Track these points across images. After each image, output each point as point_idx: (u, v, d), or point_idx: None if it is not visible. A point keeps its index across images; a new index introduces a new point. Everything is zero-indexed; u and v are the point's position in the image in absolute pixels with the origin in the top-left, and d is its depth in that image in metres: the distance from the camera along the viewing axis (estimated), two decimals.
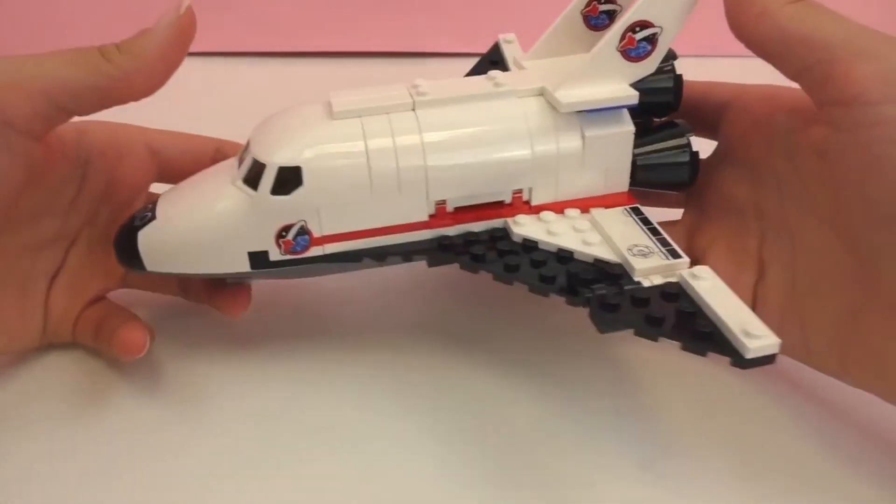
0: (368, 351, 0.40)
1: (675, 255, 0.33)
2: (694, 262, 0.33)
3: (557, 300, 0.33)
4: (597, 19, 0.38)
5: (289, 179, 0.33)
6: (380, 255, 0.36)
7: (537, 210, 0.36)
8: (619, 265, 0.33)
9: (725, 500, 0.33)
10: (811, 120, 0.32)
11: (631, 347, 0.40)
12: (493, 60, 0.44)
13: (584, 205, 0.37)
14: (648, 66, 0.35)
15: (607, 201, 0.37)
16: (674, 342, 0.29)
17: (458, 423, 0.37)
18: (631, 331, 0.30)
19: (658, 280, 0.32)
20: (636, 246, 0.33)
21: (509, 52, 0.44)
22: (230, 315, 0.38)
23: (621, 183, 0.37)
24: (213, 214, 0.34)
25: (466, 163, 0.35)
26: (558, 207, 0.36)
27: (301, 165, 0.33)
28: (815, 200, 0.33)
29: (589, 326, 0.30)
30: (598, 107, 0.35)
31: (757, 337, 0.28)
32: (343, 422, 0.37)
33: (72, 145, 0.37)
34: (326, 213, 0.34)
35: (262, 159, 0.33)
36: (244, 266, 0.35)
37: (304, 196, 0.33)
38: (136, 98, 0.33)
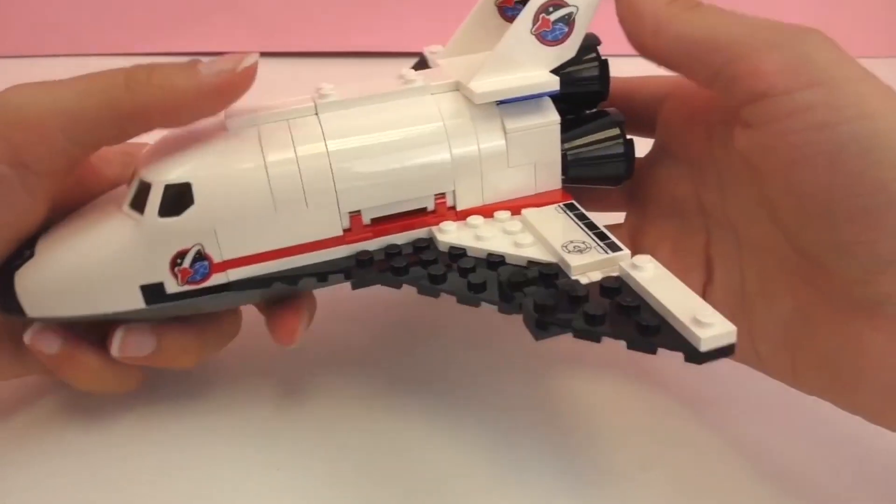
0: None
1: (615, 248, 0.30)
2: None
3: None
4: (513, 10, 0.35)
5: (178, 198, 0.30)
6: (292, 279, 0.32)
7: (464, 215, 0.33)
8: (555, 265, 0.30)
9: None
10: (733, 122, 0.30)
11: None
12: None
13: (515, 206, 0.34)
14: (567, 49, 0.32)
15: (540, 200, 0.34)
16: (618, 340, 0.26)
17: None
18: (570, 334, 0.27)
19: (596, 276, 0.29)
20: (571, 242, 0.31)
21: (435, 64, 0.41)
22: (284, 341, 0.34)
23: (553, 180, 0.34)
24: (97, 245, 0.30)
25: (379, 168, 0.31)
26: (487, 211, 0.33)
27: (190, 181, 0.30)
28: (755, 197, 0.31)
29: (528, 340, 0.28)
30: (516, 96, 0.32)
31: (709, 325, 0.25)
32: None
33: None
34: (224, 233, 0.30)
35: (147, 179, 0.30)
36: (137, 302, 0.31)
37: (196, 215, 0.30)
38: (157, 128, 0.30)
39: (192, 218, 0.30)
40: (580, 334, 0.27)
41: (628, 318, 0.27)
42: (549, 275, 0.29)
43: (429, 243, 0.33)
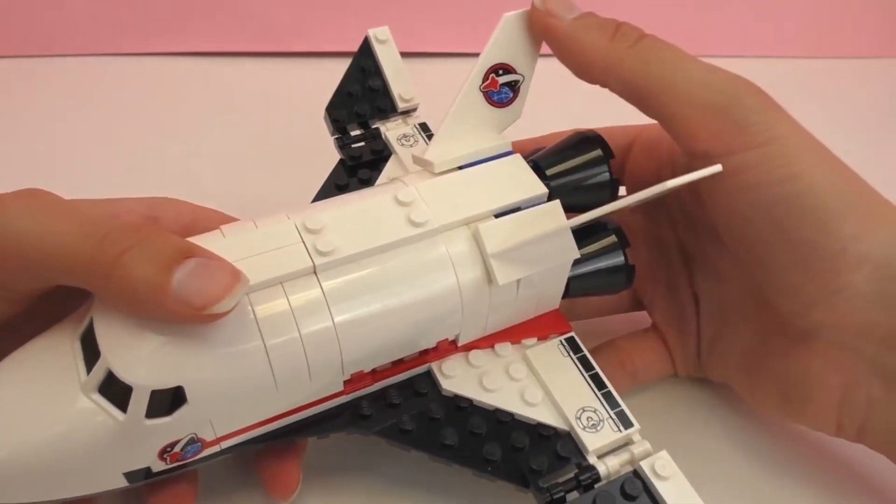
0: None
1: (626, 422, 0.30)
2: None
3: None
4: (499, 94, 0.33)
5: (167, 400, 0.26)
6: (289, 436, 0.30)
7: (464, 348, 0.32)
8: (567, 439, 0.29)
9: None
10: (685, 167, 0.32)
11: None
12: (363, 68, 0.38)
13: (514, 334, 0.32)
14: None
15: (538, 324, 0.33)
16: None
17: None
18: None
19: (614, 464, 0.29)
20: (584, 411, 0.30)
21: (384, 56, 0.38)
22: (279, 496, 0.31)
23: (552, 304, 0.33)
24: (67, 437, 0.25)
25: (388, 334, 0.29)
26: (487, 342, 0.32)
27: (181, 384, 0.25)
28: (716, 234, 0.33)
29: None
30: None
31: None
32: None
33: None
34: (220, 420, 0.27)
35: (126, 380, 0.25)
36: (119, 483, 0.28)
37: (190, 413, 0.26)
38: None
39: (185, 415, 0.26)
40: None
41: None
42: (566, 457, 0.29)
43: (430, 386, 0.31)
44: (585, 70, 0.31)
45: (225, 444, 0.29)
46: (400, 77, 0.38)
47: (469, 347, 0.32)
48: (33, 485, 0.26)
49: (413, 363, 0.31)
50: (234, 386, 0.26)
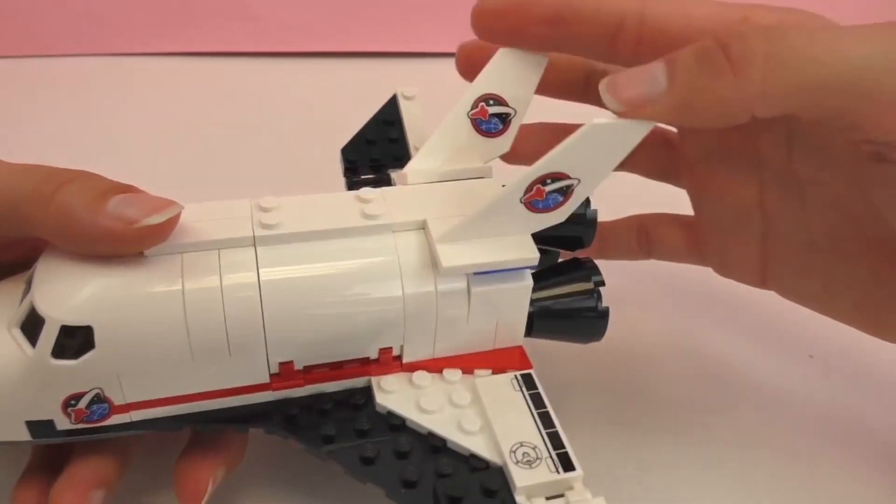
0: None
1: (567, 466, 0.26)
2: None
3: None
4: (487, 124, 0.32)
5: (75, 341, 0.25)
6: (205, 423, 0.28)
7: (410, 368, 0.30)
8: (499, 473, 0.27)
9: None
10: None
11: None
12: (386, 120, 0.38)
13: (468, 363, 0.30)
14: (558, 216, 0.28)
15: (496, 358, 0.30)
16: None
17: None
18: None
19: None
20: (521, 445, 0.27)
21: (408, 111, 0.37)
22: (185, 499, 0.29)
23: (514, 336, 0.30)
24: None
25: (319, 318, 0.27)
26: (436, 365, 0.30)
27: (91, 324, 0.25)
28: (844, 178, 0.28)
29: None
30: (488, 270, 0.28)
31: None
32: None
33: None
34: (130, 380, 0.26)
35: (41, 311, 0.25)
36: (23, 435, 0.27)
37: (96, 361, 0.25)
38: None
39: (91, 363, 0.25)
40: None
41: None
42: (492, 490, 0.26)
43: (366, 399, 0.29)
44: (720, 122, 0.25)
45: (136, 415, 0.27)
46: (420, 132, 0.37)
47: (415, 368, 0.30)
48: None
49: (352, 371, 0.29)
50: (146, 339, 0.26)
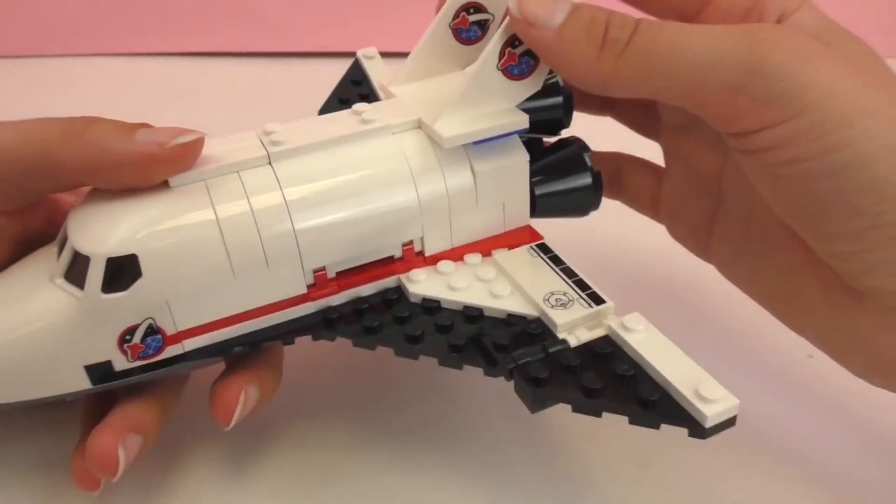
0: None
1: (598, 300, 0.29)
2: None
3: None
4: (468, 32, 0.33)
5: (123, 272, 0.26)
6: (254, 342, 0.30)
7: (433, 260, 0.31)
8: (538, 320, 0.28)
9: None
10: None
11: None
12: (354, 80, 0.39)
13: (485, 247, 0.32)
14: (533, 83, 0.30)
15: (509, 239, 0.32)
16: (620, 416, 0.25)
17: None
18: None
19: (584, 335, 0.28)
20: (552, 294, 0.29)
21: (372, 69, 0.39)
22: (219, 419, 0.30)
23: (521, 217, 0.33)
24: (29, 324, 0.27)
25: (343, 220, 0.29)
26: (456, 254, 0.32)
27: (135, 252, 0.26)
28: None
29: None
30: (486, 137, 0.30)
31: (713, 401, 0.24)
32: None
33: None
34: (178, 305, 0.28)
35: (84, 251, 0.26)
36: (83, 383, 0.28)
37: (145, 289, 0.27)
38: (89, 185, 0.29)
39: (141, 292, 0.27)
40: (580, 409, 0.26)
41: (626, 389, 0.26)
42: (535, 334, 0.28)
43: (399, 294, 0.31)
44: (581, 86, 0.28)
45: (188, 345, 0.29)
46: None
47: (437, 259, 0.32)
48: (2, 385, 0.27)
49: (380, 272, 0.31)
50: (189, 264, 0.27)
